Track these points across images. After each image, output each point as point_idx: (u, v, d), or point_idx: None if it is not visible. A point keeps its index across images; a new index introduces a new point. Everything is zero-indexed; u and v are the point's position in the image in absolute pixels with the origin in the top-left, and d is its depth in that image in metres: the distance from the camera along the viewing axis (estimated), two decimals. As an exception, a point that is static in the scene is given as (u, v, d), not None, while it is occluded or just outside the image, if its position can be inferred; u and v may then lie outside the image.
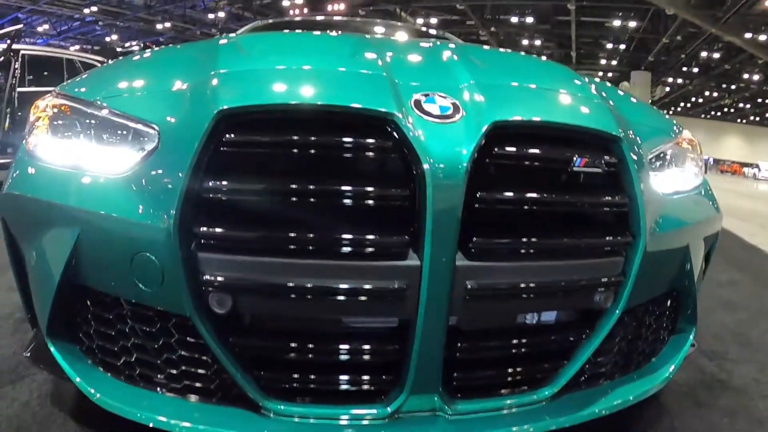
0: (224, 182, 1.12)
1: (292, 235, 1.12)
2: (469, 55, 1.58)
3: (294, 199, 1.14)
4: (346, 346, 1.22)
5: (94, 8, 24.79)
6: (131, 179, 1.19)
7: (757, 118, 45.49)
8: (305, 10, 21.81)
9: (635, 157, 1.33)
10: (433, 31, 3.69)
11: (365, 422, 1.19)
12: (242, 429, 1.16)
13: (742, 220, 7.73)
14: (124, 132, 1.26)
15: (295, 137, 1.15)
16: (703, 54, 24.52)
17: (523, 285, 1.22)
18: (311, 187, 1.13)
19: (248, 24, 3.32)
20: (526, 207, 1.24)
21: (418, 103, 1.19)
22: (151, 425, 1.18)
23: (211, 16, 26.05)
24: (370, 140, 1.16)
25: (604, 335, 1.34)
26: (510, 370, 1.30)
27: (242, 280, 1.14)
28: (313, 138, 1.16)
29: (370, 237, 1.13)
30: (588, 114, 1.40)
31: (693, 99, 39.72)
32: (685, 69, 27.57)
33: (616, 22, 22.35)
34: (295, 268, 1.12)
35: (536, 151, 1.25)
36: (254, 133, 1.16)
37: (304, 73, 1.32)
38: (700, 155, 1.71)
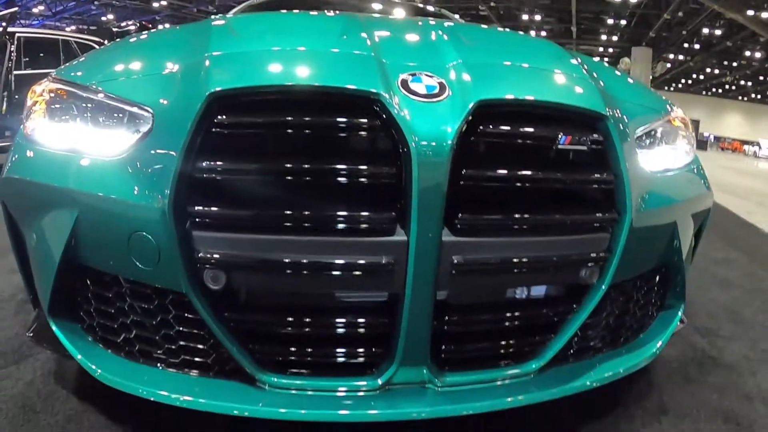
0: (216, 162, 1.15)
1: (282, 212, 1.15)
2: (458, 33, 1.59)
3: (283, 178, 1.17)
4: (337, 320, 1.26)
5: (90, -13, 24.48)
6: (127, 161, 1.22)
7: (759, 96, 45.13)
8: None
9: (621, 136, 1.35)
10: (430, 8, 3.65)
11: (356, 394, 1.23)
12: (240, 401, 1.20)
13: (740, 198, 7.75)
14: (120, 115, 1.29)
15: (284, 118, 1.18)
16: (705, 31, 24.22)
17: (508, 260, 1.25)
18: (300, 166, 1.16)
19: (244, 1, 3.29)
20: (511, 184, 1.26)
21: (404, 83, 1.21)
22: (152, 399, 1.22)
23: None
24: (358, 120, 1.19)
25: (591, 310, 1.37)
26: (497, 344, 1.34)
27: (234, 257, 1.17)
28: (301, 119, 1.18)
29: (358, 214, 1.16)
30: (574, 92, 1.42)
31: (694, 76, 39.33)
32: (686, 45, 27.25)
33: (617, -3, 22.01)
34: (286, 245, 1.16)
35: (521, 129, 1.28)
36: (244, 114, 1.19)
37: (292, 55, 1.33)
38: (691, 133, 1.72)
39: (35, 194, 1.32)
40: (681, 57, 30.39)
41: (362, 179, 1.18)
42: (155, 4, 26.46)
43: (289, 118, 1.18)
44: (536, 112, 1.31)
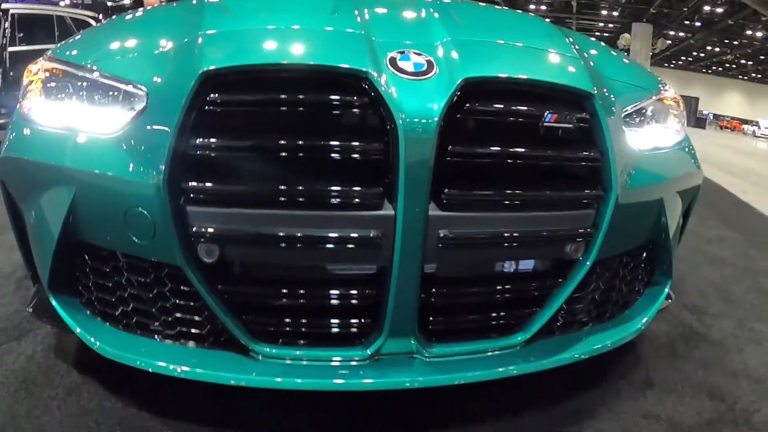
0: (209, 139, 1.18)
1: (272, 187, 1.19)
2: (450, 11, 1.60)
3: (274, 154, 1.20)
4: (326, 292, 1.29)
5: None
6: (122, 139, 1.24)
7: (759, 76, 44.85)
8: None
9: (608, 114, 1.37)
10: None
11: (350, 363, 1.27)
12: (236, 371, 1.24)
13: (737, 177, 7.75)
14: (115, 93, 1.30)
15: (275, 96, 1.21)
16: (706, 8, 23.98)
17: (493, 235, 1.28)
18: (290, 142, 1.19)
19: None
20: (497, 160, 1.29)
21: (393, 61, 1.23)
22: (150, 370, 1.26)
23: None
24: (347, 98, 1.21)
25: (576, 285, 1.40)
26: (484, 316, 1.37)
27: (227, 231, 1.20)
28: (291, 96, 1.21)
29: (346, 188, 1.19)
30: (562, 71, 1.43)
31: (694, 53, 38.99)
32: (687, 22, 26.96)
33: (619, -28, 21.73)
34: (276, 219, 1.19)
35: (508, 106, 1.30)
36: (236, 92, 1.21)
37: (283, 33, 1.35)
38: (682, 112, 1.73)
39: (33, 173, 1.34)
40: (682, 34, 30.10)
41: (351, 155, 1.20)
42: (151, -21, 26.07)
43: (280, 96, 1.21)
44: (523, 90, 1.33)
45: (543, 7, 25.64)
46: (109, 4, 6.94)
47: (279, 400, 1.41)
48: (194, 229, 1.19)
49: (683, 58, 42.35)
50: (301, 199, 1.19)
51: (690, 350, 1.90)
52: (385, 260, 1.23)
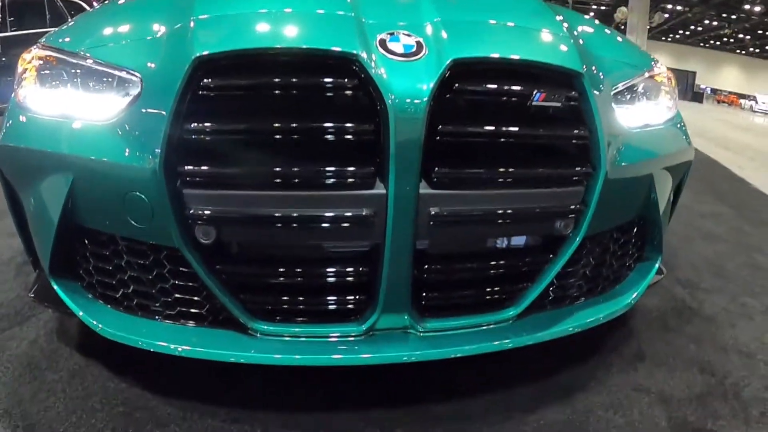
0: (204, 123, 1.20)
1: (266, 169, 1.21)
2: None
3: (267, 136, 1.22)
4: (321, 270, 1.32)
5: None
6: (118, 125, 1.26)
7: (757, 50, 44.53)
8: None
9: (597, 92, 1.39)
10: None
11: (347, 339, 1.31)
12: (235, 349, 1.28)
13: (733, 152, 7.74)
14: (109, 80, 1.32)
15: (268, 79, 1.23)
16: (704, -19, 23.79)
17: (483, 212, 1.30)
18: (282, 125, 1.21)
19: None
20: (486, 139, 1.31)
21: (382, 42, 1.25)
22: (151, 350, 1.29)
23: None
24: (338, 80, 1.23)
25: (566, 260, 1.43)
26: (476, 292, 1.41)
27: (223, 212, 1.23)
28: (283, 80, 1.23)
29: (339, 168, 1.22)
30: (551, 50, 1.45)
31: (692, 27, 38.68)
32: (684, -5, 26.80)
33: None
34: (269, 199, 1.21)
35: (497, 86, 1.31)
36: (228, 76, 1.23)
37: (274, 17, 1.36)
38: (674, 89, 1.74)
39: (31, 160, 1.35)
40: (679, 7, 29.85)
41: (343, 136, 1.22)
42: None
43: (272, 80, 1.23)
44: (512, 70, 1.34)
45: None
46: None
47: (279, 377, 1.44)
48: (191, 211, 1.22)
49: (681, 31, 42.02)
50: (294, 180, 1.22)
51: (682, 324, 1.92)
52: (378, 238, 1.25)
